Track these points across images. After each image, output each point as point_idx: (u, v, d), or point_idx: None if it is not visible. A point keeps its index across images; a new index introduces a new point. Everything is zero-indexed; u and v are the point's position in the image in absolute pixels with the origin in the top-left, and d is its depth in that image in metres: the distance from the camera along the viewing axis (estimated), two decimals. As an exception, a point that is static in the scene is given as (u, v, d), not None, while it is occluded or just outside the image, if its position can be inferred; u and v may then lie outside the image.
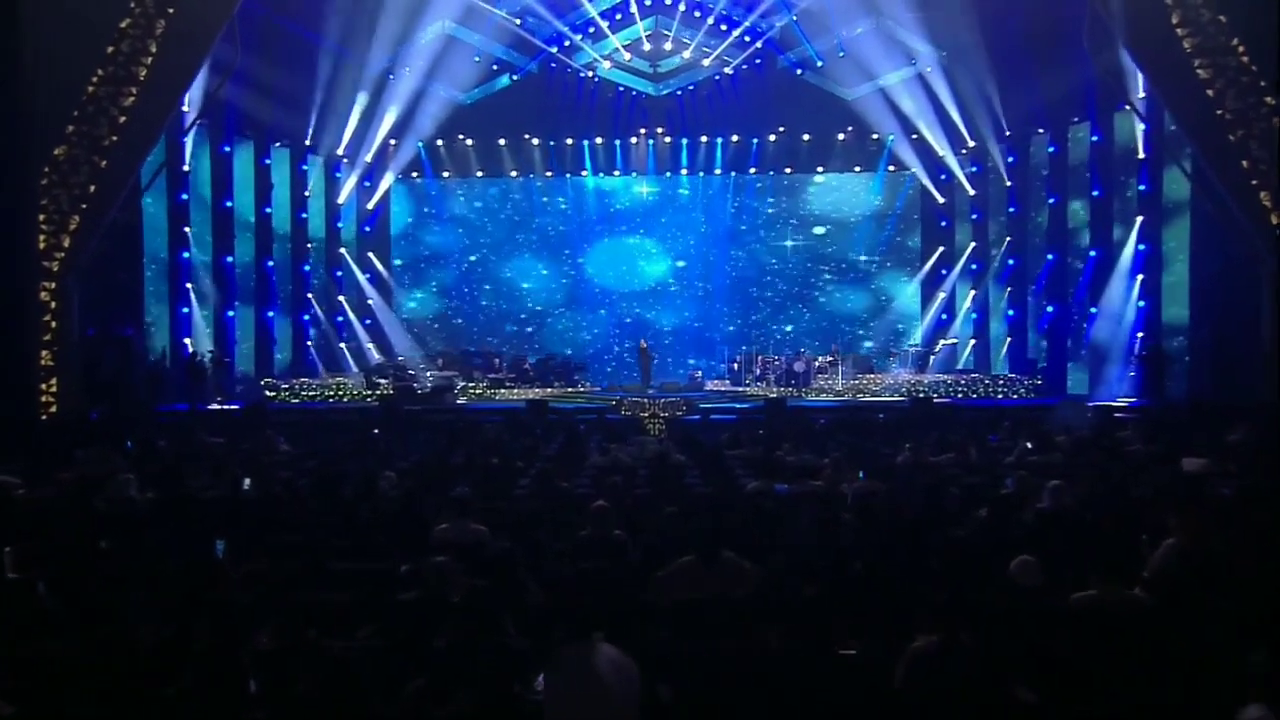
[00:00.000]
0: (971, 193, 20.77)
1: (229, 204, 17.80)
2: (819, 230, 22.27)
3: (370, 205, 21.77)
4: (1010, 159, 19.49)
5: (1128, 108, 15.55)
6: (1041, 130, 18.38)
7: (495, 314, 22.69)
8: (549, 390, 19.01)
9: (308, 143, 19.53)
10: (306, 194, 19.99)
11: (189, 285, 16.92)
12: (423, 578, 4.75)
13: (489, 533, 5.84)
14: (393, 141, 21.16)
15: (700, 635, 4.28)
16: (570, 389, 19.47)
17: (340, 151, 20.42)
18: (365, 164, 21.06)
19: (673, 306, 22.54)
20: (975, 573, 4.93)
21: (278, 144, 19.21)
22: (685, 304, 22.53)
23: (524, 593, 4.60)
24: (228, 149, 17.72)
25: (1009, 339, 19.40)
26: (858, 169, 21.85)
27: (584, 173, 22.17)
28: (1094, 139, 17.09)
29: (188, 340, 16.75)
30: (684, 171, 22.17)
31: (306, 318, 19.90)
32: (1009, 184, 19.67)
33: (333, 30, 18.04)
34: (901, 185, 21.99)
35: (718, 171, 22.08)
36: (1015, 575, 4.81)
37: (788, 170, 22.02)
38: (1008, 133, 19.15)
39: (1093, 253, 17.13)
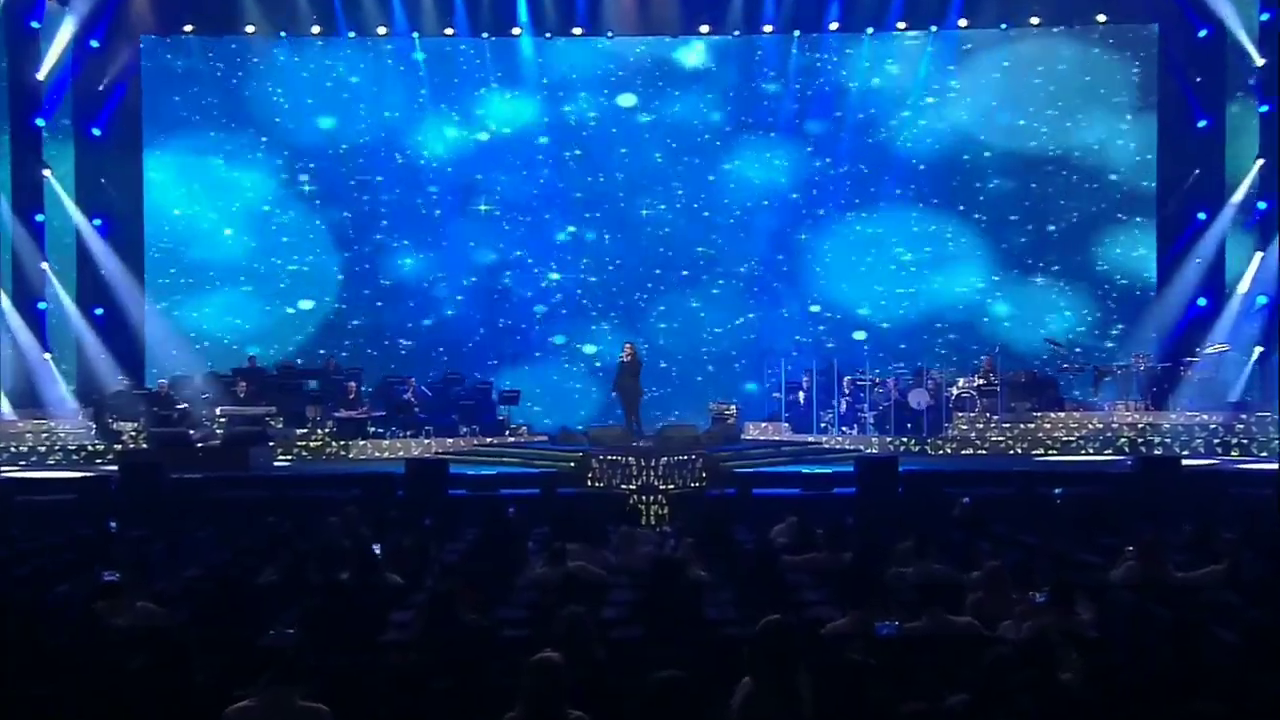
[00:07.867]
0: (1260, 62, 20.79)
1: None
2: (961, 135, 22.47)
3: (103, 86, 21.85)
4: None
5: None
6: None
7: (350, 298, 22.81)
8: (451, 441, 19.11)
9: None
10: None
11: None
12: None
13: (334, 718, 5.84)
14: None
15: None
16: (491, 439, 19.54)
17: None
18: (91, 6, 21.03)
19: (680, 283, 22.74)
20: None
21: None
22: (701, 278, 22.74)
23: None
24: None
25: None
26: (1036, 21, 21.93)
27: (515, 30, 22.31)
28: None
29: None
30: (703, 29, 22.36)
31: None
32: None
33: None
34: (1130, 49, 22.12)
35: (767, 29, 22.26)
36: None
37: (900, 26, 22.21)
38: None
39: None
